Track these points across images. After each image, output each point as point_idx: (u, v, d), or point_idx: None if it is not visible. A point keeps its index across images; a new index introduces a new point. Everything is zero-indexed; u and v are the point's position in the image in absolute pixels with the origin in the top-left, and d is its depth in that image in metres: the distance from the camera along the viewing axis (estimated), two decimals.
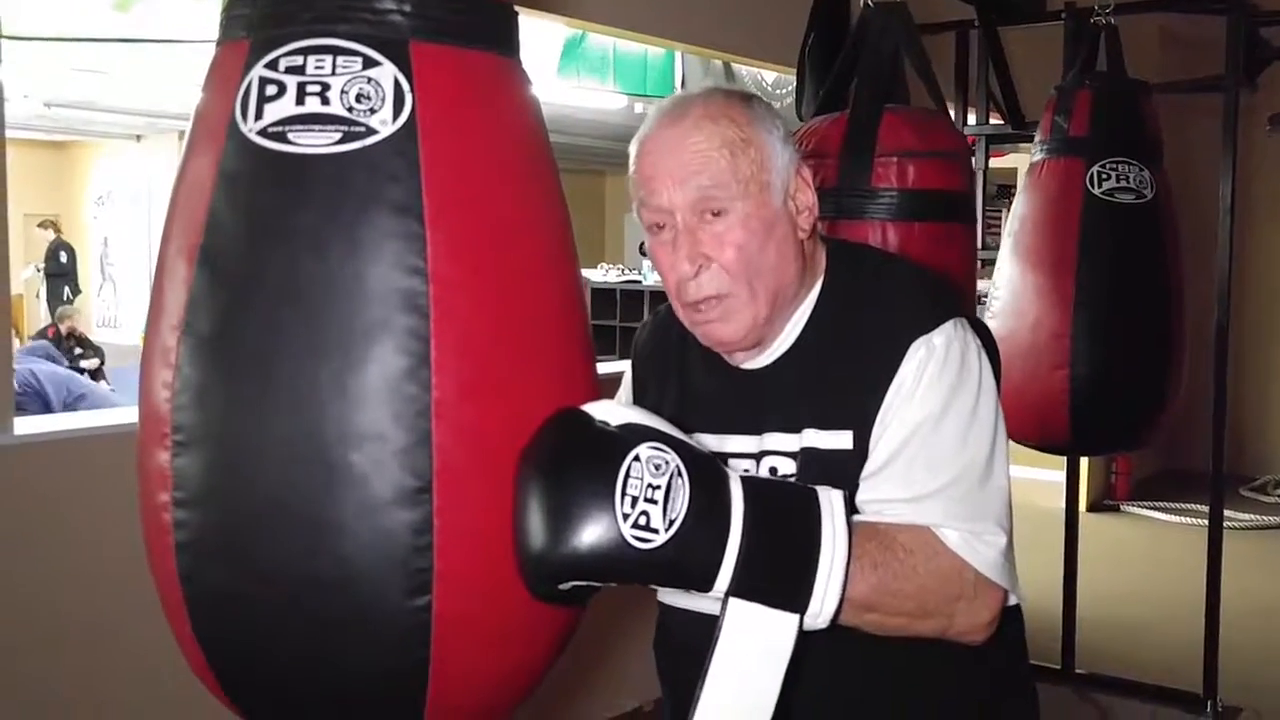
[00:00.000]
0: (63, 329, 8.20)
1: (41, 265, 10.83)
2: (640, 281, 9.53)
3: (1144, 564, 5.33)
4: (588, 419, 1.00)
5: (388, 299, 0.93)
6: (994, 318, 3.00)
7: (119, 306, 11.30)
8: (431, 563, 0.93)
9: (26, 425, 2.44)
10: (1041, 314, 2.93)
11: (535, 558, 0.95)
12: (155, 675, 2.17)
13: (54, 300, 10.48)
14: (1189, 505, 5.93)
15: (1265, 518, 6.00)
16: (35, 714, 2.22)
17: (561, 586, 0.98)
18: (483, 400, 0.96)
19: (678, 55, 6.82)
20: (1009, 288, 3.04)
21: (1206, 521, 3.59)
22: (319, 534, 0.93)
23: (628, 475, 0.95)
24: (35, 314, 10.39)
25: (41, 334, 8.30)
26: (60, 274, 10.92)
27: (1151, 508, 6.25)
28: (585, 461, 0.97)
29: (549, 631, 1.05)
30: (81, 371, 7.52)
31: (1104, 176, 2.91)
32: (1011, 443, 1.20)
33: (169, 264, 1.00)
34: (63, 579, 2.26)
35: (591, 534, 0.94)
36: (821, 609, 1.00)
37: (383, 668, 0.95)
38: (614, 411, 1.01)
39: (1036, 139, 3.09)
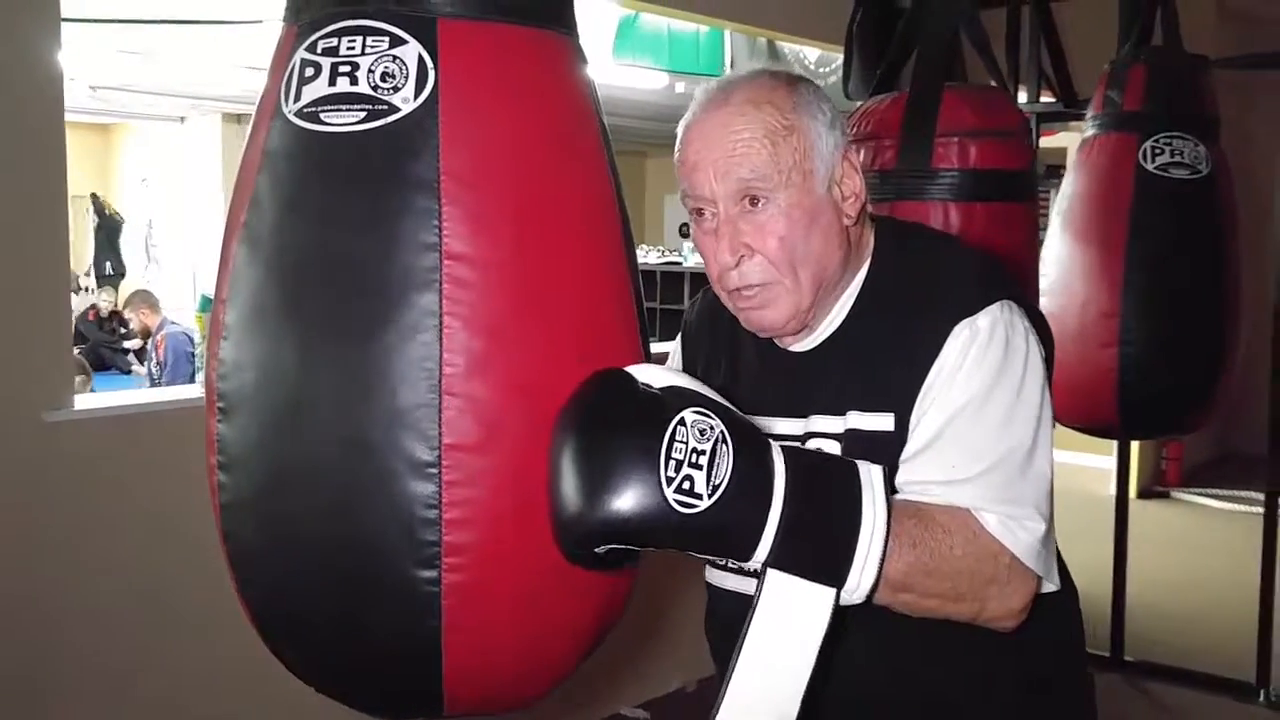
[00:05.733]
0: (103, 310, 8.22)
1: (88, 269, 10.79)
2: (680, 263, 9.50)
3: (1195, 552, 5.23)
4: (631, 381, 0.98)
5: (404, 275, 0.94)
6: (1042, 297, 2.94)
7: (163, 286, 11.36)
8: (440, 536, 0.93)
9: (86, 400, 2.52)
10: (1090, 293, 2.87)
11: (573, 519, 0.94)
12: (215, 639, 2.21)
13: (101, 278, 10.52)
14: (1242, 492, 5.83)
15: None
16: (98, 679, 2.26)
17: (597, 550, 0.96)
18: (495, 378, 0.95)
19: (726, 33, 6.75)
20: (1058, 266, 2.98)
21: (1261, 509, 3.52)
22: (337, 500, 0.95)
23: (672, 439, 0.93)
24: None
25: (83, 316, 8.34)
26: (108, 229, 10.87)
27: (1203, 494, 6.14)
28: (629, 423, 0.95)
29: (577, 608, 1.05)
30: (125, 352, 7.58)
31: (1157, 151, 2.83)
32: (1061, 427, 1.17)
33: (225, 241, 1.04)
34: (121, 544, 2.31)
35: (633, 497, 0.92)
36: (859, 584, 0.99)
37: (398, 631, 0.97)
38: (658, 375, 0.99)
39: (1088, 115, 3.02)
